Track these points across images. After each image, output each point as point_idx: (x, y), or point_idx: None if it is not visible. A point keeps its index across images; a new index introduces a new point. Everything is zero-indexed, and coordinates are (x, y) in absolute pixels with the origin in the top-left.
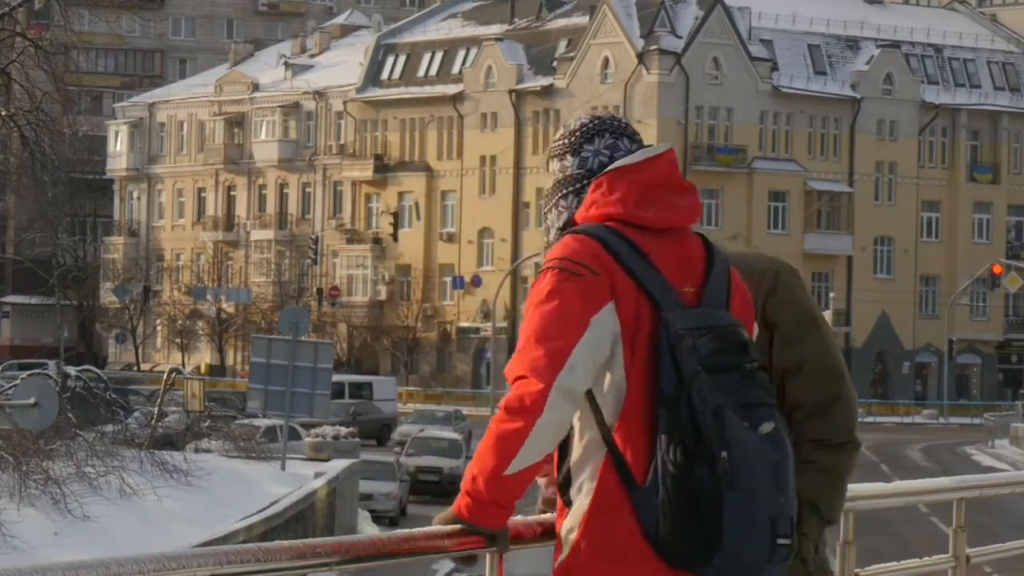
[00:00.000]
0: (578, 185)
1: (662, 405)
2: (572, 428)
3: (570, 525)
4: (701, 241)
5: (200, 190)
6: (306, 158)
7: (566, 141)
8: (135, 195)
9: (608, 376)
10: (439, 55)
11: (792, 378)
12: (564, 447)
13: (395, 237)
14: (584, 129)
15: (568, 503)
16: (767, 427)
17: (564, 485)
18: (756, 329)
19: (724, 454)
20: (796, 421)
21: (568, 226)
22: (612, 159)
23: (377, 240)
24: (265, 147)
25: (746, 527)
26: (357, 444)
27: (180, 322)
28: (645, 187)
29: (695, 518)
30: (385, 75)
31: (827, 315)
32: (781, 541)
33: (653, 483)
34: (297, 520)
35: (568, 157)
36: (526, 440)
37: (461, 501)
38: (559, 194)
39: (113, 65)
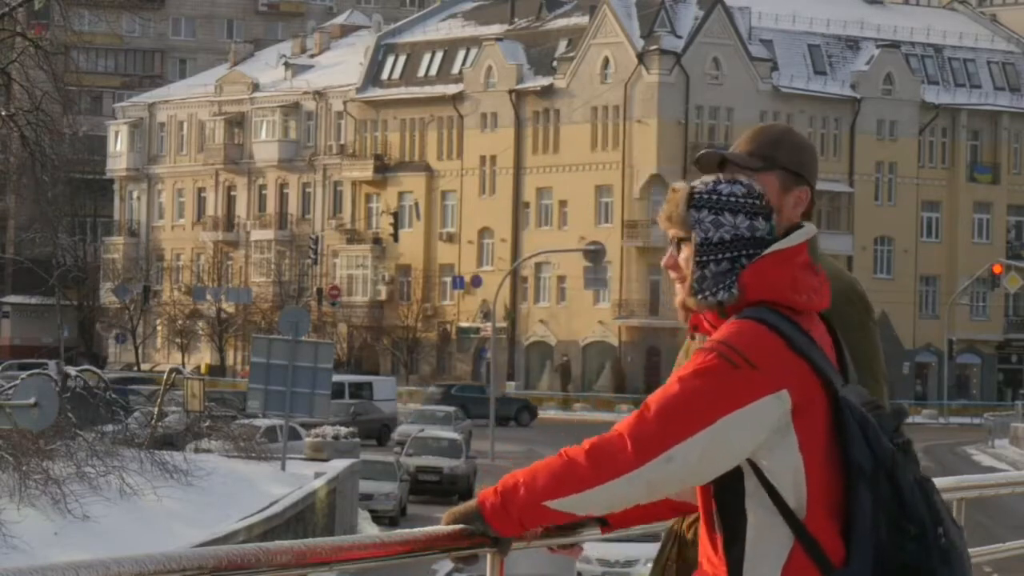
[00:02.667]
0: (770, 251)
1: (862, 482)
2: (734, 510)
3: None
4: (821, 318)
5: (200, 190)
6: (306, 158)
7: (757, 203)
8: (135, 195)
9: (781, 462)
10: (439, 55)
11: None
12: (732, 531)
13: (395, 237)
14: (768, 198)
15: None
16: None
17: (734, 570)
18: None
19: (940, 529)
20: None
21: (733, 286)
22: (779, 237)
23: (377, 240)
24: (265, 147)
25: None
26: (357, 444)
27: (180, 322)
28: (797, 269)
29: None
30: (385, 75)
31: None
32: None
33: (855, 564)
34: (297, 520)
35: (760, 220)
36: (583, 493)
37: (490, 499)
38: (742, 252)
39: (113, 65)
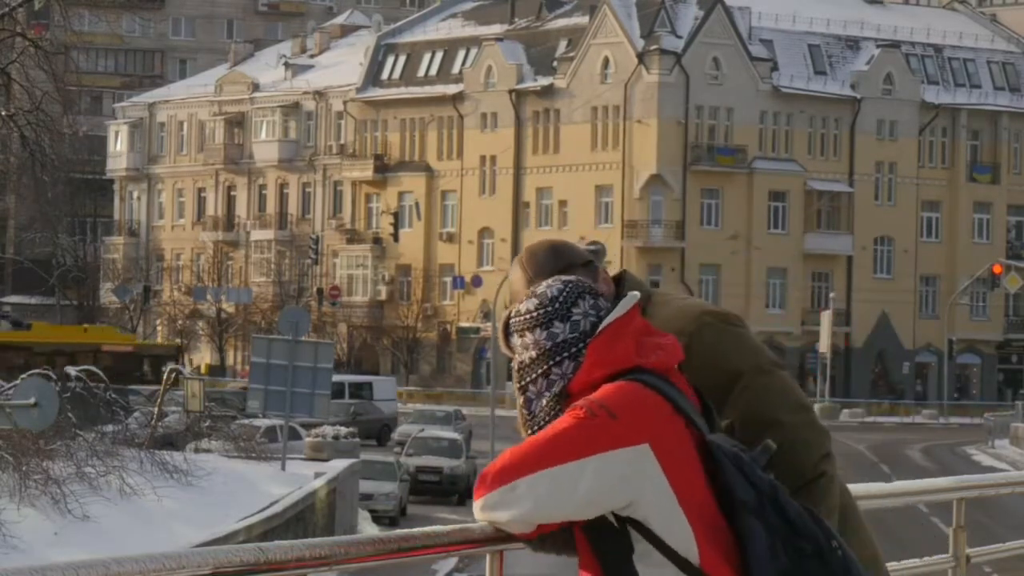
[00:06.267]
0: (574, 350)
1: (749, 515)
2: (625, 572)
3: None
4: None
5: (200, 190)
6: (306, 158)
7: (549, 309)
8: (135, 195)
9: (661, 514)
10: (439, 55)
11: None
12: None
13: (395, 237)
14: (565, 295)
15: None
16: None
17: None
18: None
19: (834, 543)
20: None
21: (563, 394)
22: (599, 318)
23: (377, 240)
24: (265, 147)
25: None
26: (357, 444)
27: (180, 322)
28: (635, 335)
29: None
30: (385, 75)
31: (827, 315)
32: None
33: None
34: (297, 520)
35: (556, 324)
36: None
37: None
38: (550, 362)
39: (113, 65)
